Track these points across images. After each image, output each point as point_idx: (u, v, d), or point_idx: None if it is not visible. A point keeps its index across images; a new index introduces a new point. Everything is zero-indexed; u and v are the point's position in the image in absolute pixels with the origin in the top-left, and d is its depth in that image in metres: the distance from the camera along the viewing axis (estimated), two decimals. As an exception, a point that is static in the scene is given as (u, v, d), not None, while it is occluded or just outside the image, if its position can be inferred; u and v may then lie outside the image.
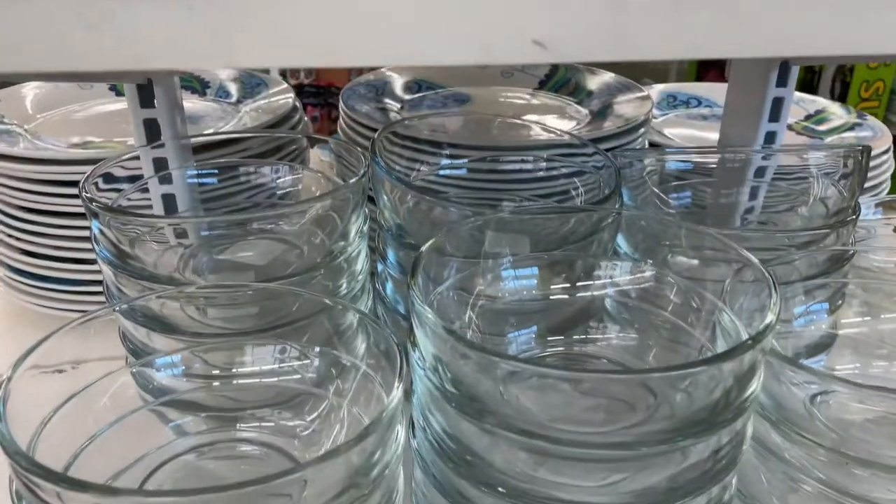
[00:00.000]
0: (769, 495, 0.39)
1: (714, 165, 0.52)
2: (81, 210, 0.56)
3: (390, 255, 0.47)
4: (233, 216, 0.48)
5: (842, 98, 1.74)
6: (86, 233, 0.57)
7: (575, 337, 0.39)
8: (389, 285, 0.49)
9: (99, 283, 0.58)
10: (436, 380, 0.31)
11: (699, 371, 0.30)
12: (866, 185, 0.69)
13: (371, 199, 0.48)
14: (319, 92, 1.95)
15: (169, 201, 0.50)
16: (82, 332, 0.36)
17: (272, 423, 0.37)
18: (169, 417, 0.38)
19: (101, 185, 0.44)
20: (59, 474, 0.24)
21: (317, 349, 0.37)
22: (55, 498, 0.26)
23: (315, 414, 0.37)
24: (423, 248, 0.35)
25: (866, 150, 0.46)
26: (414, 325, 0.33)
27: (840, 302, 0.46)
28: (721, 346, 0.35)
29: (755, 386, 0.31)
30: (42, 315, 0.60)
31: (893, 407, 0.37)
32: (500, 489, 0.30)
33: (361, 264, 0.47)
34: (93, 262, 0.57)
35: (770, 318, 0.30)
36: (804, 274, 0.45)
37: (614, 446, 0.30)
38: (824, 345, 0.44)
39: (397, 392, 0.30)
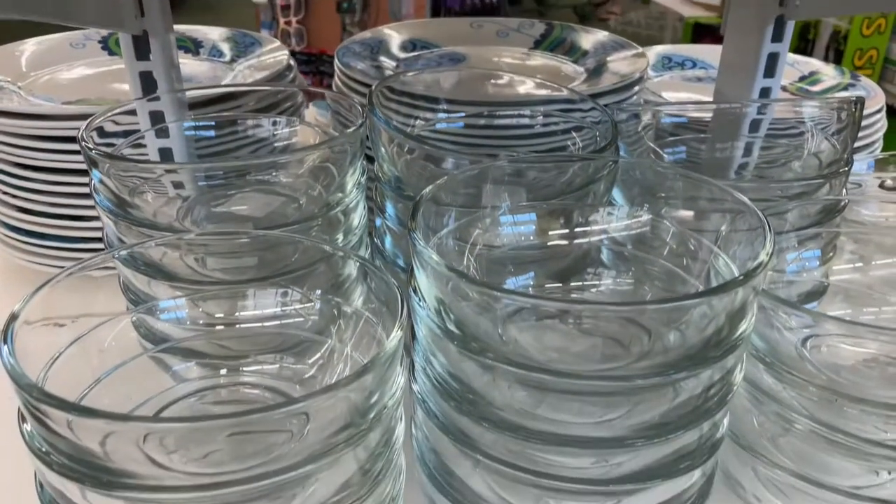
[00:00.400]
0: (760, 438, 0.40)
1: (709, 120, 0.53)
2: (77, 166, 0.56)
3: (389, 208, 0.48)
4: (231, 162, 0.48)
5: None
6: (82, 189, 0.57)
7: (572, 284, 0.39)
8: (388, 239, 0.49)
9: (95, 240, 0.59)
10: (438, 321, 0.32)
11: (692, 304, 0.31)
12: (859, 144, 0.70)
13: (370, 159, 0.48)
14: (310, 59, 1.93)
15: (166, 156, 0.50)
16: (83, 286, 0.37)
17: (274, 369, 0.38)
18: (171, 364, 0.39)
19: (97, 140, 0.44)
20: (71, 403, 0.25)
21: (318, 294, 0.37)
22: (66, 428, 0.26)
23: (317, 358, 0.37)
24: (424, 192, 0.35)
25: (860, 102, 0.46)
26: (415, 268, 0.33)
27: (832, 253, 0.47)
28: (716, 291, 0.36)
29: (746, 325, 0.32)
30: (38, 273, 0.60)
31: (882, 348, 0.37)
32: (500, 425, 0.31)
33: (359, 218, 0.47)
34: (90, 218, 0.58)
35: (763, 257, 0.31)
36: (797, 225, 0.45)
37: (610, 378, 0.30)
38: (816, 293, 0.45)
39: (397, 333, 0.30)
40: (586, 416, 0.33)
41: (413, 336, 0.35)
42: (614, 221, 0.39)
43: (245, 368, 0.38)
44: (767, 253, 0.31)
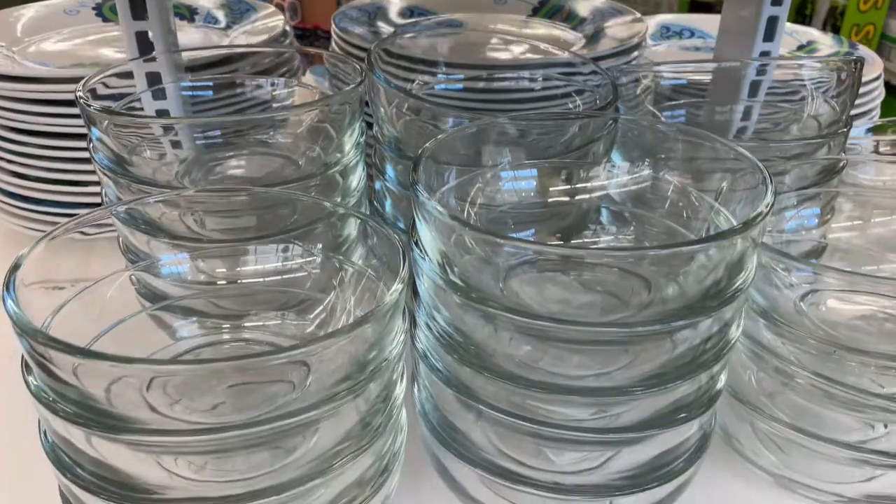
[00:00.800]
0: (759, 395, 0.40)
1: (708, 83, 0.52)
2: (75, 130, 0.55)
3: (389, 170, 0.48)
4: (229, 117, 0.48)
5: (832, 40, 1.72)
6: (80, 154, 0.56)
7: (573, 241, 0.39)
8: (388, 203, 0.49)
9: (93, 205, 0.58)
10: (440, 272, 0.32)
11: (692, 251, 0.31)
12: (856, 111, 0.70)
13: (369, 126, 0.48)
14: (305, 34, 1.91)
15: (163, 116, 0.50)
16: (82, 250, 0.36)
17: (276, 325, 0.38)
18: (172, 322, 0.39)
19: (94, 100, 0.44)
20: (77, 346, 0.25)
21: (319, 250, 0.37)
22: (71, 374, 0.27)
23: (318, 314, 0.37)
24: (426, 145, 0.35)
25: (859, 62, 0.46)
26: (417, 222, 0.33)
27: (830, 214, 0.47)
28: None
29: (745, 278, 0.32)
30: (35, 239, 0.60)
31: (880, 303, 0.38)
32: (502, 375, 0.31)
33: (358, 180, 0.47)
34: (87, 184, 0.57)
35: (762, 208, 0.31)
36: (795, 186, 0.45)
37: (610, 324, 0.30)
38: (814, 253, 0.45)
39: (398, 286, 0.30)
40: (587, 369, 0.34)
41: (415, 294, 0.35)
42: (615, 178, 0.39)
43: (247, 324, 0.38)
44: (767, 204, 0.31)
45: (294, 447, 0.32)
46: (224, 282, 0.38)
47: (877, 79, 0.71)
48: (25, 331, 0.26)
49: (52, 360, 0.26)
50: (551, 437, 0.33)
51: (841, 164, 0.46)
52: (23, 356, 0.28)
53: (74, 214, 0.58)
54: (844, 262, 0.45)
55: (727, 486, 0.41)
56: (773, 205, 0.31)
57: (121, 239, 0.40)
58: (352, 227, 0.39)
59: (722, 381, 0.35)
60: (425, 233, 0.33)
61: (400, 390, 0.34)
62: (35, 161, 0.57)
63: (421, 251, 0.33)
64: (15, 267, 0.30)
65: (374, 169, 0.50)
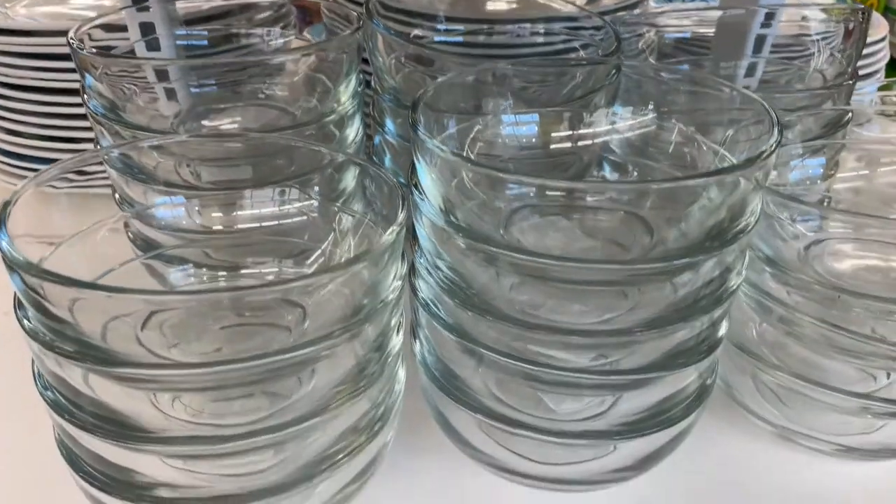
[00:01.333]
0: (761, 346, 0.40)
1: (712, 36, 0.52)
2: (66, 86, 0.55)
3: (388, 123, 0.47)
4: (224, 58, 0.47)
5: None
6: (74, 110, 0.56)
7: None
8: (388, 157, 0.49)
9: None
10: (441, 214, 0.31)
11: (695, 185, 0.30)
12: (862, 72, 0.69)
13: (368, 84, 0.47)
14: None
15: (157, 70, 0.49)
16: (76, 205, 0.36)
17: (273, 272, 0.37)
18: (165, 270, 0.38)
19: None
20: (71, 278, 0.24)
21: (316, 194, 0.37)
22: (67, 311, 0.26)
23: (316, 262, 0.37)
24: (426, 88, 0.34)
25: (867, 12, 0.45)
26: (417, 165, 0.32)
27: (834, 169, 0.46)
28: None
29: (747, 221, 0.31)
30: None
31: (883, 252, 0.37)
32: (504, 318, 0.31)
33: (355, 133, 0.46)
34: (79, 140, 0.56)
35: (766, 147, 0.30)
36: (800, 139, 0.45)
37: (612, 262, 0.30)
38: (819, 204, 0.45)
39: (395, 227, 0.30)
40: (587, 316, 0.33)
41: (416, 241, 0.35)
42: (617, 127, 0.38)
43: (243, 272, 0.37)
44: (773, 143, 0.30)
45: (291, 391, 0.32)
46: (220, 229, 0.37)
47: (882, 40, 0.70)
48: (17, 264, 0.25)
49: (47, 295, 0.26)
50: (552, 380, 0.32)
51: (846, 117, 0.45)
52: (15, 295, 0.28)
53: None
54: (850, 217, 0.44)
55: (729, 439, 0.41)
56: (778, 143, 0.30)
57: (117, 195, 0.40)
58: (350, 175, 0.38)
59: (723, 330, 0.35)
60: (425, 177, 0.32)
61: (398, 340, 0.33)
62: (30, 118, 0.56)
63: (421, 194, 0.32)
64: (5, 205, 0.29)
65: (372, 122, 0.49)
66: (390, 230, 0.29)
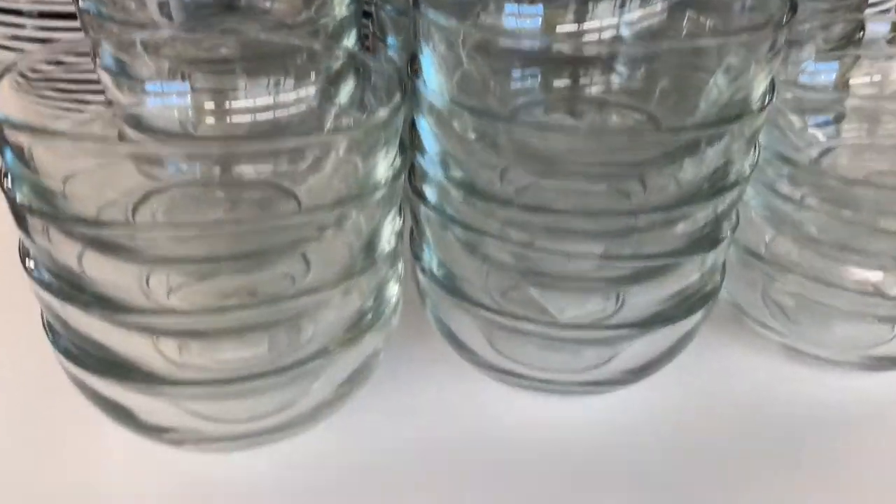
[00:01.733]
0: (771, 257, 0.38)
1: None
2: (63, 9, 0.53)
3: (390, 40, 0.46)
4: None
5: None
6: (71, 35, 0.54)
7: (581, 81, 0.37)
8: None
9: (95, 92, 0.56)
10: (444, 97, 0.31)
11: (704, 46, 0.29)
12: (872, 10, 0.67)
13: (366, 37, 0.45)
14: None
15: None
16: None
17: (266, 168, 0.36)
18: (157, 158, 0.37)
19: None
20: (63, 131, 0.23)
21: (312, 87, 0.36)
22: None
23: (311, 157, 0.36)
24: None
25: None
26: (418, 52, 0.31)
27: (847, 78, 0.45)
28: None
29: (754, 104, 0.30)
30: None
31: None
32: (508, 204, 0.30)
33: (352, 44, 0.45)
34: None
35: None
36: (815, 49, 0.43)
37: (622, 132, 0.29)
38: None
39: (393, 104, 0.29)
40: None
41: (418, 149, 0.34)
42: (626, 15, 0.37)
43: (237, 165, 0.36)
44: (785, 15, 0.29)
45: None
46: (212, 118, 0.36)
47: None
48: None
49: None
50: (557, 275, 0.32)
51: (860, 27, 0.44)
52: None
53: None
54: (861, 126, 0.43)
55: (734, 353, 0.40)
56: (793, 16, 0.29)
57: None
58: (346, 65, 0.36)
59: (725, 230, 0.34)
60: (427, 61, 0.31)
61: (390, 239, 0.32)
62: (27, 44, 0.55)
63: (423, 83, 0.31)
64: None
65: (372, 42, 0.48)
66: (385, 107, 0.28)
